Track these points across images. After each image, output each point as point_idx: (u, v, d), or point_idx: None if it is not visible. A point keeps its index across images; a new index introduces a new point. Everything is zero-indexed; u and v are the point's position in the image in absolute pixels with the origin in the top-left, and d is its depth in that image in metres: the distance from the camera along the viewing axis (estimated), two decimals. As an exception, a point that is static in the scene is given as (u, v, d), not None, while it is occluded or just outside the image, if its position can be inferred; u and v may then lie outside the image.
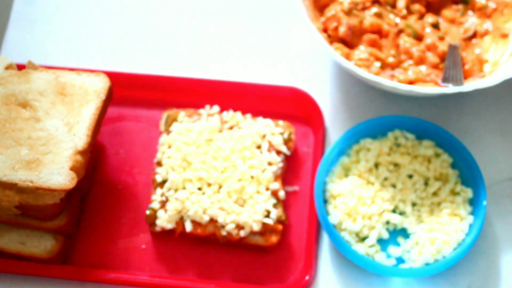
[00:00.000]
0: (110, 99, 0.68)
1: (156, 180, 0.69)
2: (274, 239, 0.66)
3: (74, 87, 0.66)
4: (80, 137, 0.63)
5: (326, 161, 0.70)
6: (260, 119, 0.73)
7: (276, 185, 0.69)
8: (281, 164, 0.70)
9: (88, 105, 0.65)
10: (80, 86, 0.67)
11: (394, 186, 0.70)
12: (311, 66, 0.82)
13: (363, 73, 0.68)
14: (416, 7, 0.79)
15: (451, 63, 0.73)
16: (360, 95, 0.79)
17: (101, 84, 0.67)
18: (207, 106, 0.75)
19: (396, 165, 0.72)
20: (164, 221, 0.66)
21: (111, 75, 0.78)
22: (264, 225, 0.66)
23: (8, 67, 0.69)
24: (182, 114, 0.73)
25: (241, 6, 0.87)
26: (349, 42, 0.76)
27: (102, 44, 0.84)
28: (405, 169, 0.70)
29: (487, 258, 0.69)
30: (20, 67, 0.71)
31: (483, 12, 0.79)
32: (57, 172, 0.60)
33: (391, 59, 0.75)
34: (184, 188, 0.68)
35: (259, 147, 0.71)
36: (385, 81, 0.68)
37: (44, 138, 0.62)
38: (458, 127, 0.76)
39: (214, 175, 0.68)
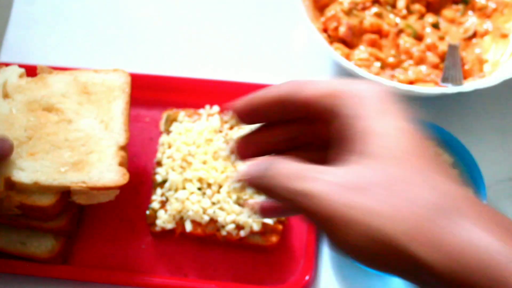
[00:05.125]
0: (131, 93, 0.68)
1: (156, 180, 0.69)
2: (274, 239, 0.66)
3: (96, 85, 0.66)
4: (118, 133, 0.62)
5: (326, 161, 0.70)
6: (260, 119, 0.73)
7: (276, 185, 0.68)
8: (281, 164, 0.70)
9: (116, 101, 0.64)
10: (101, 83, 0.66)
11: (394, 186, 0.70)
12: (311, 66, 0.82)
13: (363, 73, 0.68)
14: (416, 7, 0.79)
15: (451, 63, 0.73)
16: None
17: (123, 79, 0.67)
18: (207, 106, 0.75)
19: (396, 165, 0.71)
20: (164, 221, 0.66)
21: (111, 75, 0.78)
22: (264, 225, 0.66)
23: (21, 76, 0.67)
24: (182, 114, 0.73)
25: (241, 6, 0.87)
26: (349, 42, 0.76)
27: (102, 44, 0.84)
28: (405, 169, 0.70)
29: (487, 258, 0.69)
30: (30, 71, 0.69)
31: (483, 12, 0.79)
32: (107, 170, 0.60)
33: (391, 59, 0.75)
34: (184, 188, 0.68)
35: (259, 147, 0.71)
36: (385, 81, 0.68)
37: (83, 139, 0.61)
38: (458, 127, 0.76)
39: (214, 175, 0.68)
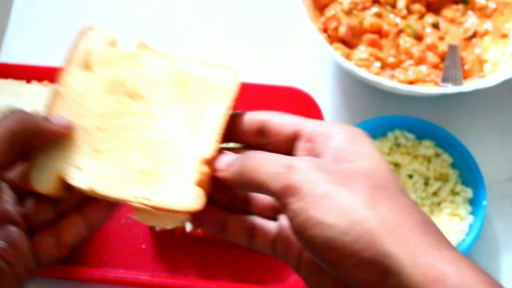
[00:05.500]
0: (237, 98, 0.54)
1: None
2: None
3: (197, 79, 0.52)
4: (206, 143, 0.48)
5: (326, 161, 0.70)
6: (260, 119, 0.73)
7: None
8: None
9: (215, 103, 0.51)
10: (204, 79, 0.53)
11: (394, 186, 0.70)
12: (311, 66, 0.82)
13: (363, 73, 0.68)
14: (416, 7, 0.79)
15: (450, 63, 0.73)
16: (360, 95, 0.79)
17: (230, 79, 0.54)
18: (207, 106, 0.74)
19: (396, 165, 0.72)
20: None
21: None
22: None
23: (111, 43, 0.53)
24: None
25: (241, 6, 0.87)
26: (349, 42, 0.76)
27: (102, 44, 0.84)
28: (405, 169, 0.70)
29: (487, 258, 0.69)
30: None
31: (483, 12, 0.79)
32: (179, 188, 0.46)
33: (391, 59, 0.75)
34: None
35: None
36: (385, 81, 0.68)
37: (161, 142, 0.48)
38: (458, 127, 0.76)
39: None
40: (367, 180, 0.38)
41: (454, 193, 0.70)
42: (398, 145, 0.73)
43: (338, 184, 0.37)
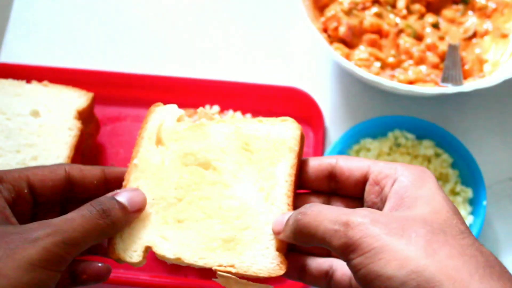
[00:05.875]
0: (302, 149, 0.53)
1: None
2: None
3: (259, 140, 0.53)
4: (280, 207, 0.49)
5: (326, 161, 0.70)
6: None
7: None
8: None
9: (280, 163, 0.52)
10: (265, 138, 0.53)
11: (394, 186, 0.70)
12: (311, 66, 0.82)
13: (363, 73, 0.68)
14: (416, 7, 0.79)
15: (450, 63, 0.73)
16: (360, 95, 0.79)
17: (290, 133, 0.53)
18: (207, 106, 0.75)
19: (396, 165, 0.71)
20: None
21: (111, 75, 0.78)
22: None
23: (179, 119, 0.56)
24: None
25: (241, 6, 0.87)
26: (349, 42, 0.76)
27: (102, 45, 0.84)
28: (405, 169, 0.70)
29: (487, 258, 0.70)
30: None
31: (483, 12, 0.79)
32: (261, 254, 0.47)
33: (391, 59, 0.75)
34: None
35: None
36: (385, 81, 0.68)
37: (237, 209, 0.50)
38: (458, 127, 0.76)
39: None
40: (425, 226, 0.38)
41: (454, 193, 0.70)
42: (398, 145, 0.73)
43: (395, 235, 0.38)
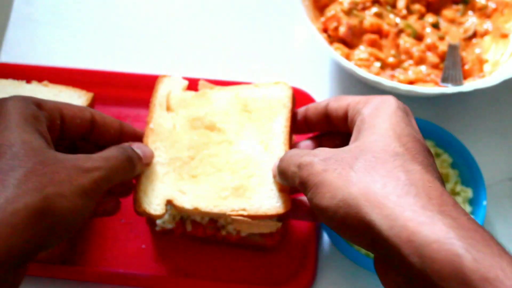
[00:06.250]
0: (294, 107, 0.62)
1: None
2: (274, 239, 0.66)
3: (256, 101, 0.62)
4: (278, 154, 0.57)
5: (326, 161, 0.70)
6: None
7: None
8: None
9: (276, 118, 0.60)
10: (262, 98, 0.62)
11: (394, 186, 0.70)
12: (311, 66, 0.82)
13: (363, 73, 0.68)
14: (416, 7, 0.79)
15: (450, 63, 0.73)
16: (360, 95, 0.79)
17: (284, 93, 0.62)
18: (207, 106, 0.75)
19: (396, 165, 0.71)
20: (164, 221, 0.66)
21: (111, 75, 0.78)
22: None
23: (185, 88, 0.65)
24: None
25: (241, 6, 0.87)
26: (349, 42, 0.76)
27: (102, 44, 0.84)
28: (405, 169, 0.70)
29: (487, 258, 0.69)
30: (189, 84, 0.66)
31: (483, 12, 0.79)
32: (267, 196, 0.56)
33: (391, 59, 0.75)
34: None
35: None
36: (385, 81, 0.68)
37: (243, 161, 0.58)
38: (458, 127, 0.76)
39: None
40: (363, 155, 0.42)
41: (454, 193, 0.70)
42: (398, 145, 0.73)
43: (332, 170, 0.42)
